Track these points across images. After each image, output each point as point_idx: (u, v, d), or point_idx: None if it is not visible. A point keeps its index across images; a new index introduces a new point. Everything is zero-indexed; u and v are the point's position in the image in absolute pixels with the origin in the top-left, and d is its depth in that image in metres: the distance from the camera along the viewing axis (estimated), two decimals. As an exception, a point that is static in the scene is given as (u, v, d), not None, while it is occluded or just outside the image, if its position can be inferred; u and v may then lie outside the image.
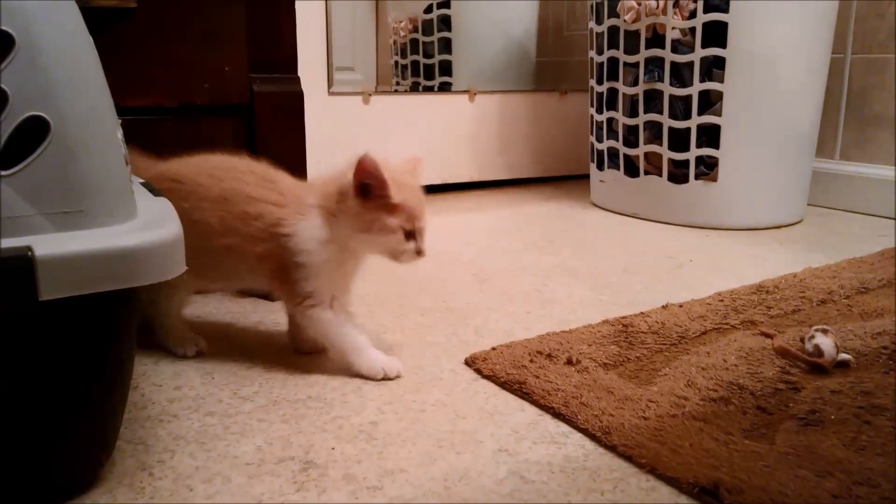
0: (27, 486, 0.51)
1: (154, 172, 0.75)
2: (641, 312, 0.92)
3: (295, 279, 0.72)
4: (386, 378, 0.74)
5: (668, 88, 1.47)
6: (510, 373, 0.74)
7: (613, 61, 1.59)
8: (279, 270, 0.72)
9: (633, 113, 1.57)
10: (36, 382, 0.48)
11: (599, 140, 1.69)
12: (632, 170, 1.60)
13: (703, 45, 1.40)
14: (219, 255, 0.73)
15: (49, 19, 0.49)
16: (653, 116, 1.51)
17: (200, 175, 0.74)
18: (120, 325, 0.53)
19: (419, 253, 0.72)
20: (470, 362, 0.78)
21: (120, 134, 0.54)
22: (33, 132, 0.47)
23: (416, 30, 2.06)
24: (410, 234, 0.71)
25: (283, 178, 0.76)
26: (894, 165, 1.58)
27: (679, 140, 1.48)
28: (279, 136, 0.99)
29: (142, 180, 0.65)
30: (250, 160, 0.77)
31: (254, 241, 0.72)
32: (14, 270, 0.44)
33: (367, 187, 0.69)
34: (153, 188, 0.63)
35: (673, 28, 1.44)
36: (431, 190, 0.78)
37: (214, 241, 0.72)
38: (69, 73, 0.49)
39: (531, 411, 0.68)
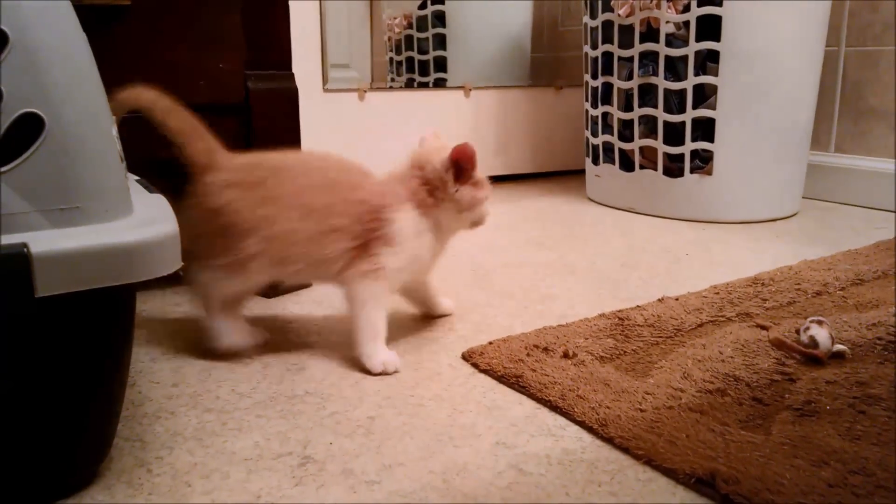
0: (25, 483, 0.51)
1: (248, 162, 0.79)
2: (638, 306, 0.93)
3: (376, 253, 0.76)
4: (384, 373, 0.74)
5: (662, 82, 1.47)
6: (507, 367, 0.74)
7: (608, 56, 1.59)
8: (365, 246, 0.76)
9: (627, 107, 1.57)
10: (33, 380, 0.49)
11: (595, 135, 1.69)
12: (627, 164, 1.60)
13: (698, 39, 1.41)
14: (316, 236, 0.75)
15: (43, 17, 0.48)
16: (648, 110, 1.51)
17: (303, 165, 0.80)
18: (116, 322, 0.53)
19: (482, 219, 0.83)
20: (467, 357, 0.78)
21: (115, 131, 0.54)
22: (28, 129, 0.47)
23: (410, 26, 2.05)
24: (481, 204, 0.81)
25: (371, 172, 0.82)
26: (894, 158, 1.58)
27: (674, 134, 1.48)
28: (275, 133, 0.99)
29: (137, 177, 0.65)
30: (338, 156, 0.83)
31: (355, 220, 0.76)
32: (10, 268, 0.44)
33: (461, 170, 0.78)
34: (149, 185, 0.63)
35: (667, 22, 1.44)
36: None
37: (318, 223, 0.75)
38: (63, 70, 0.49)
39: (529, 404, 0.68)
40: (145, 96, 0.77)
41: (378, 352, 0.76)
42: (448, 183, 0.78)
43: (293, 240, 0.75)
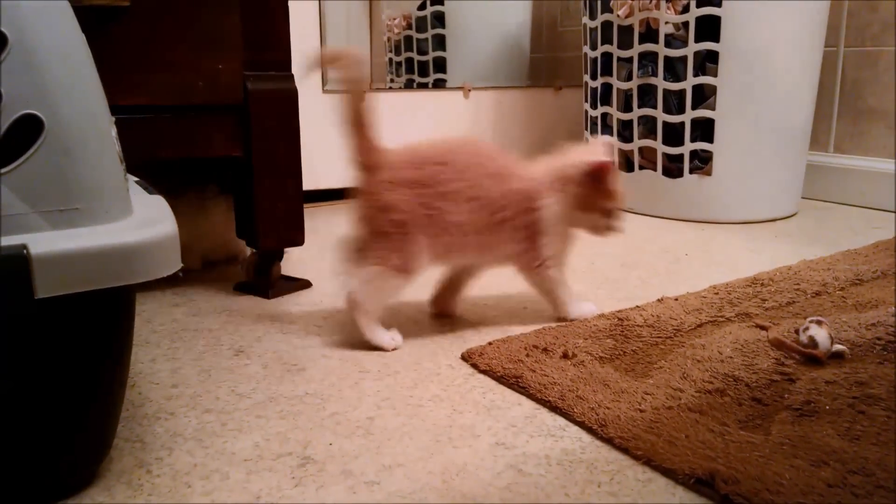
0: (25, 484, 0.51)
1: (411, 159, 0.81)
2: (637, 306, 0.93)
3: (538, 245, 0.83)
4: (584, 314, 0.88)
5: (661, 83, 1.47)
6: (507, 367, 0.74)
7: (607, 56, 1.59)
8: (527, 239, 0.83)
9: (627, 108, 1.57)
10: (33, 380, 0.49)
11: (594, 135, 1.69)
12: (626, 165, 1.60)
13: (697, 40, 1.41)
14: (486, 227, 0.81)
15: (42, 18, 0.49)
16: (647, 111, 1.51)
17: (465, 155, 0.82)
18: (116, 323, 0.53)
19: (611, 229, 0.87)
20: (466, 357, 0.78)
21: (114, 132, 0.54)
22: (28, 131, 0.47)
23: (409, 27, 2.06)
24: (610, 214, 0.86)
25: (517, 159, 0.86)
26: (893, 158, 1.58)
27: (673, 134, 1.48)
28: (274, 134, 0.99)
29: (136, 178, 0.65)
30: (482, 142, 0.87)
31: (516, 210, 0.82)
32: (9, 269, 0.44)
33: (594, 179, 0.83)
34: (148, 186, 0.63)
35: (666, 23, 1.44)
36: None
37: (488, 215, 0.81)
38: (63, 71, 0.49)
39: (528, 405, 0.68)
40: (356, 66, 0.79)
41: (580, 301, 0.89)
42: (574, 181, 0.83)
43: (464, 231, 0.79)
